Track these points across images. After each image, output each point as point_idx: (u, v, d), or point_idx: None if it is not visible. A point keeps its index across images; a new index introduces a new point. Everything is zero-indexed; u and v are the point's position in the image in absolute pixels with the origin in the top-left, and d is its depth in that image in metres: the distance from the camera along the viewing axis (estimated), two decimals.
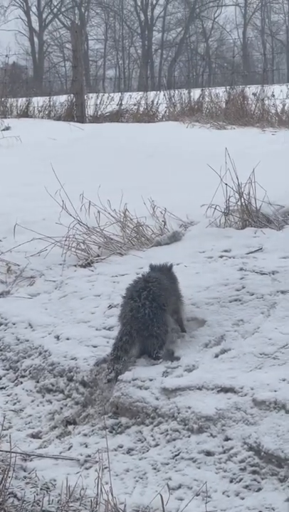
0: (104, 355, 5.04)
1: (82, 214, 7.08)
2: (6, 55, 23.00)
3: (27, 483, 4.14)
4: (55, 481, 4.17)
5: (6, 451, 4.30)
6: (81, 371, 5.02)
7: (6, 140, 10.82)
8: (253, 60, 58.71)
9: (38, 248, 6.80)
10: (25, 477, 4.22)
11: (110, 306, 5.63)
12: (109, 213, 7.00)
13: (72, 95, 14.33)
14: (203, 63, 60.25)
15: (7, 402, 5.17)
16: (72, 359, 5.16)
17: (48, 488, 4.09)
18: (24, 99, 14.80)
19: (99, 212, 7.03)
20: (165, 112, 14.34)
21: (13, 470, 4.14)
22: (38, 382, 5.23)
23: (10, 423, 4.92)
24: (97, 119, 14.03)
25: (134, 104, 14.37)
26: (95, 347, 5.21)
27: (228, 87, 14.76)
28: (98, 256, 6.63)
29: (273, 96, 14.77)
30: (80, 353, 5.17)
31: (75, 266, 6.57)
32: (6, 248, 6.98)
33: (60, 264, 6.61)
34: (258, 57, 55.66)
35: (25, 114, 14.34)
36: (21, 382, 5.31)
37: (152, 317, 4.87)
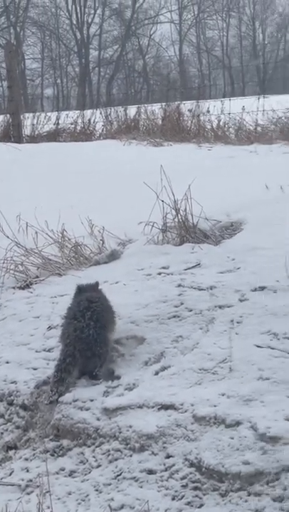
0: (44, 378, 5.01)
1: (20, 235, 7.03)
2: None
3: None
4: None
5: None
6: (21, 394, 4.97)
7: None
8: (190, 76, 59.31)
9: None
10: None
11: (50, 328, 5.60)
12: (47, 234, 6.97)
13: (8, 115, 14.26)
14: (141, 80, 60.59)
15: None
16: (12, 383, 5.11)
17: None
18: None
19: (37, 233, 6.99)
20: (102, 130, 14.37)
21: None
22: None
23: None
24: (34, 138, 13.99)
25: (72, 123, 14.38)
26: (35, 369, 5.16)
27: (163, 103, 14.87)
28: (37, 277, 6.58)
29: (208, 112, 14.93)
30: (20, 376, 5.12)
31: (14, 288, 6.51)
32: None
33: None
34: (195, 73, 56.27)
35: None
36: None
37: (96, 337, 4.87)
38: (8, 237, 6.88)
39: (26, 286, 6.49)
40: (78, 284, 5.30)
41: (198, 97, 16.02)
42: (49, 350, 5.34)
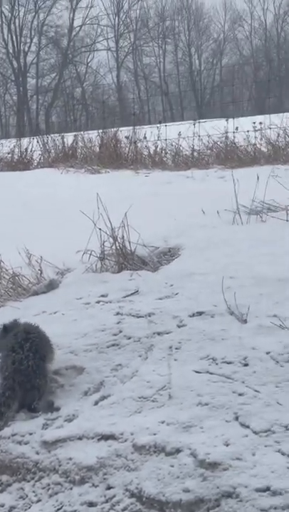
0: None
1: None
2: None
3: None
4: None
5: None
6: None
7: None
8: (128, 102, 59.70)
9: None
10: None
11: None
12: None
13: None
14: (80, 107, 60.77)
15: None
16: None
17: None
18: None
19: None
20: (40, 159, 14.33)
21: None
22: None
23: None
24: None
25: (8, 153, 14.30)
26: None
27: (100, 130, 14.91)
28: None
29: (145, 138, 15.01)
30: None
31: None
32: None
33: None
34: (134, 99, 56.67)
35: None
36: None
37: (35, 369, 4.82)
38: None
39: None
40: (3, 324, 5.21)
41: (135, 123, 16.11)
42: None
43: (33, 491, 4.30)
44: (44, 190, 10.37)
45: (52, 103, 62.41)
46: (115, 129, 14.89)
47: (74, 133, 15.43)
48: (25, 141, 14.86)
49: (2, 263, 6.92)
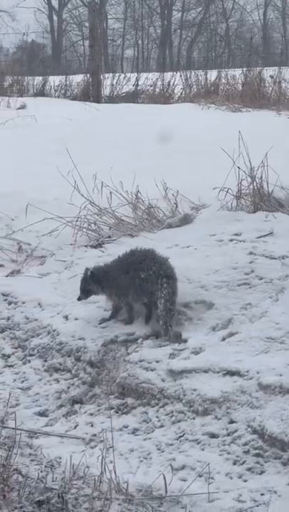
0: (112, 336, 5.08)
1: (95, 195, 7.08)
2: (24, 33, 22.91)
3: (32, 460, 4.18)
4: (60, 458, 4.22)
5: (12, 428, 4.34)
6: (89, 351, 5.06)
7: (22, 119, 10.82)
8: (273, 42, 58.22)
9: (49, 228, 6.83)
10: (30, 454, 4.27)
11: None
12: (121, 194, 7.00)
13: (88, 75, 14.28)
14: (223, 44, 59.82)
15: (15, 380, 5.21)
16: (80, 339, 5.21)
17: (52, 465, 4.14)
18: (41, 78, 14.76)
19: (111, 193, 7.03)
20: (181, 94, 14.26)
21: (19, 447, 4.19)
22: (45, 361, 5.27)
23: (17, 401, 4.97)
24: (112, 99, 13.97)
25: (151, 85, 14.30)
26: (103, 328, 5.24)
27: (244, 68, 14.65)
28: (109, 237, 6.64)
29: None
30: (87, 334, 5.21)
31: (86, 246, 6.59)
32: (18, 227, 7.02)
33: (71, 245, 6.63)
34: (279, 39, 55.18)
35: (41, 93, 14.32)
36: (29, 361, 5.35)
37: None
38: (82, 195, 6.94)
39: (98, 245, 6.55)
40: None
41: (281, 63, 15.73)
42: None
43: (157, 417, 4.42)
44: (184, 124, 10.34)
45: (195, 38, 61.66)
46: (260, 68, 14.59)
47: (215, 70, 15.24)
48: (168, 74, 14.83)
49: (139, 194, 6.99)
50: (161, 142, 8.91)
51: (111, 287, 5.26)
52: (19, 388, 5.12)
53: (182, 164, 8.20)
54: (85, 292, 5.35)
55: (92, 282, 5.28)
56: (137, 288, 5.14)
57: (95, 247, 6.53)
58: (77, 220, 6.72)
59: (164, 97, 13.90)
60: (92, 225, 6.71)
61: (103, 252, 6.40)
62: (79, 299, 5.42)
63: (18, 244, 6.66)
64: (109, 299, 5.34)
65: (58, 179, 7.38)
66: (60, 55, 47.73)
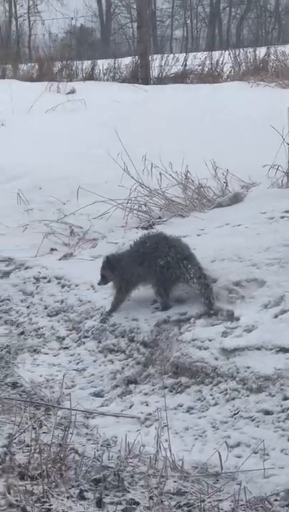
0: (164, 316, 5.11)
1: (144, 176, 7.10)
2: (73, 18, 22.96)
3: (88, 439, 4.24)
4: (115, 438, 4.27)
5: (68, 409, 4.40)
6: (142, 332, 5.10)
7: (71, 103, 10.88)
8: None
9: (100, 211, 6.88)
10: (86, 434, 4.32)
11: None
12: (170, 175, 7.01)
13: (136, 57, 14.27)
14: (273, 20, 58.94)
15: (70, 362, 5.28)
16: (133, 320, 5.25)
17: (108, 444, 4.19)
18: (89, 62, 14.80)
19: (161, 174, 7.03)
20: (230, 72, 14.15)
21: (75, 427, 4.25)
22: (100, 342, 5.33)
23: (73, 382, 5.04)
24: (161, 80, 13.95)
25: (199, 65, 14.22)
26: (156, 308, 5.27)
27: None
28: (160, 218, 6.66)
29: None
30: (140, 314, 5.26)
31: (137, 228, 6.62)
32: (69, 211, 7.09)
33: (122, 227, 6.67)
34: None
35: (90, 76, 14.35)
36: (84, 343, 5.42)
37: None
38: (132, 177, 6.97)
39: (149, 226, 6.58)
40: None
41: None
42: None
43: (211, 395, 4.44)
44: (233, 102, 10.25)
45: (244, 15, 60.90)
46: None
47: (264, 47, 15.08)
48: (216, 53, 14.72)
49: (189, 174, 6.98)
50: (210, 122, 8.87)
51: (125, 276, 5.36)
52: (74, 370, 5.19)
53: (231, 143, 8.16)
54: (103, 278, 5.47)
55: (108, 269, 5.39)
56: (158, 275, 5.20)
57: (145, 228, 6.56)
58: (127, 202, 6.75)
59: (212, 76, 13.83)
60: (143, 206, 6.73)
61: None
62: (99, 283, 5.53)
63: (70, 228, 6.73)
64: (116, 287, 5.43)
65: (108, 162, 7.43)
66: (109, 38, 47.65)
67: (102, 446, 4.14)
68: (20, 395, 4.86)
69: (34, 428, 4.06)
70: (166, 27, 60.65)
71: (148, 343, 5.03)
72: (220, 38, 51.36)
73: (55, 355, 5.42)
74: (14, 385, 5.01)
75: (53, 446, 3.86)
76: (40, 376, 5.13)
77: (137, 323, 5.19)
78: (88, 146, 8.69)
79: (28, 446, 3.90)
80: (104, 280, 5.48)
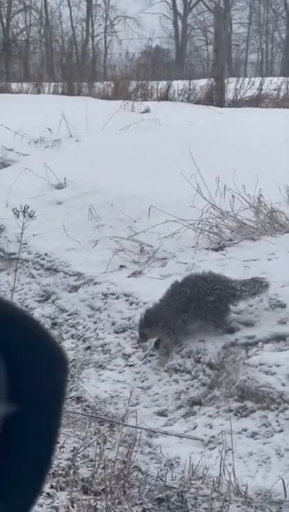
0: (232, 339, 5.08)
1: (217, 198, 7.09)
2: (150, 39, 23.17)
3: (151, 458, 4.23)
4: (178, 458, 4.25)
5: (133, 426, 4.41)
6: (208, 353, 5.07)
7: (145, 123, 10.96)
8: None
9: (171, 230, 6.89)
10: (150, 452, 4.32)
11: None
12: (243, 198, 6.99)
13: (212, 79, 14.31)
14: None
15: (135, 380, 5.29)
16: (200, 341, 5.23)
17: (171, 464, 4.17)
18: (165, 82, 14.89)
19: (233, 196, 7.02)
20: None
21: (139, 445, 4.25)
22: (165, 361, 5.32)
23: (137, 400, 5.04)
24: (236, 103, 13.94)
25: (275, 89, 14.18)
26: (225, 330, 5.24)
27: None
28: (230, 240, 6.64)
29: None
30: (208, 336, 5.23)
31: (207, 249, 6.61)
32: (140, 229, 7.11)
33: (193, 247, 6.66)
34: None
35: (165, 97, 14.43)
36: (149, 361, 5.42)
37: None
38: (205, 198, 6.97)
39: (220, 248, 6.56)
40: None
41: None
42: (238, 313, 5.39)
43: (276, 421, 4.39)
44: None
45: None
46: None
47: None
48: None
49: (262, 197, 6.95)
50: (285, 146, 8.82)
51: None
52: (139, 388, 5.19)
53: None
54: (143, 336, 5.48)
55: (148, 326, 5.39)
56: (212, 311, 5.22)
57: (216, 250, 6.55)
58: (199, 223, 6.75)
59: (288, 101, 13.76)
60: (214, 228, 6.72)
61: (224, 255, 6.41)
62: (138, 342, 5.55)
63: (140, 246, 6.75)
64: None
65: (181, 182, 7.45)
66: (184, 59, 47.90)
67: (165, 465, 4.12)
68: (84, 409, 4.88)
69: (98, 443, 4.07)
70: (241, 51, 60.76)
71: (214, 365, 5.00)
72: None
73: (120, 372, 5.43)
74: (79, 400, 5.04)
75: (116, 462, 3.86)
76: (105, 392, 5.15)
77: (204, 345, 5.17)
78: (161, 166, 8.73)
79: (92, 461, 3.92)
80: (144, 338, 5.48)
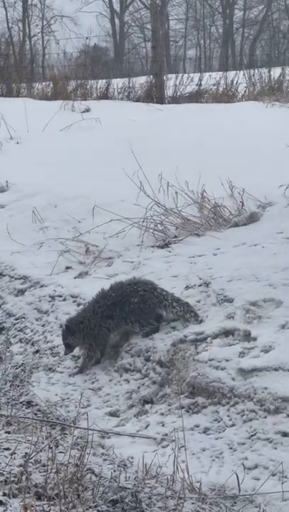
0: (181, 336, 5.08)
1: (160, 195, 7.09)
2: (87, 37, 23.09)
3: (104, 459, 4.21)
4: (132, 458, 4.24)
5: (85, 428, 4.37)
6: (158, 351, 5.07)
7: (86, 122, 10.89)
8: None
9: (116, 229, 6.87)
10: (103, 454, 4.30)
11: (187, 287, 5.64)
12: (186, 194, 7.00)
13: (151, 76, 14.31)
14: (286, 41, 59.14)
15: (86, 381, 5.27)
16: (149, 339, 5.22)
17: (125, 465, 4.16)
18: (104, 81, 14.84)
19: (176, 193, 7.03)
20: (244, 92, 14.17)
21: (92, 447, 4.22)
22: (115, 361, 5.31)
23: (89, 401, 5.02)
24: (176, 99, 13.97)
25: (214, 85, 14.25)
26: (172, 328, 5.24)
27: None
28: (175, 237, 6.64)
29: None
30: (157, 333, 5.23)
31: (153, 247, 6.60)
32: (85, 229, 7.07)
33: (138, 245, 6.65)
34: None
35: (104, 96, 14.39)
36: (99, 362, 5.40)
37: None
38: (148, 196, 6.96)
39: (165, 245, 6.56)
40: None
41: None
42: None
43: (228, 416, 4.40)
44: (248, 123, 10.27)
45: (257, 36, 61.09)
46: None
47: (277, 67, 15.10)
48: (231, 73, 14.73)
49: (205, 193, 6.98)
50: (226, 140, 8.87)
51: (94, 334, 5.41)
52: (90, 389, 5.18)
53: (247, 162, 8.15)
54: (68, 346, 5.51)
55: (71, 335, 5.43)
56: (137, 312, 5.31)
57: (161, 247, 6.55)
58: (143, 221, 6.74)
59: (227, 95, 13.85)
60: (159, 225, 6.72)
61: (170, 252, 6.42)
62: (65, 353, 5.54)
63: (85, 246, 6.71)
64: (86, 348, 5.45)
65: (123, 181, 7.42)
66: (123, 57, 47.84)
67: (118, 466, 4.11)
68: (35, 413, 4.84)
69: (50, 448, 4.03)
70: (179, 47, 60.95)
71: (164, 362, 5.00)
72: (233, 59, 51.56)
73: (70, 375, 5.40)
74: (29, 404, 5.00)
75: (69, 466, 3.83)
76: (56, 395, 5.12)
77: (153, 343, 5.17)
78: (104, 165, 8.69)
79: (44, 466, 3.87)
80: (70, 348, 5.51)
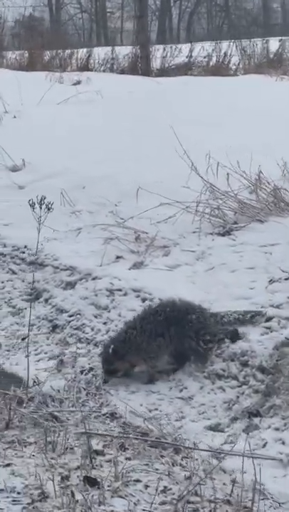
0: (282, 338, 4.51)
1: (210, 176, 6.48)
2: (25, 8, 22.35)
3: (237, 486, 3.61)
4: (263, 485, 3.65)
5: (209, 451, 3.79)
6: (258, 355, 4.49)
7: (85, 95, 10.14)
8: (273, 12, 57.15)
9: (165, 214, 6.23)
10: (232, 481, 3.68)
11: (271, 281, 5.08)
12: (240, 175, 6.39)
13: (136, 47, 13.63)
14: (223, 15, 58.89)
15: (171, 389, 4.66)
16: (243, 341, 4.64)
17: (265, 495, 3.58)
18: (84, 51, 14.10)
19: (228, 174, 6.42)
20: (239, 65, 13.61)
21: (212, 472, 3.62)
22: (203, 366, 4.70)
23: (182, 413, 4.41)
24: (164, 72, 13.32)
25: (205, 57, 13.65)
26: (268, 328, 4.67)
27: None
28: (235, 223, 6.04)
29: None
30: (251, 334, 4.65)
31: (212, 234, 6.00)
32: (125, 214, 6.43)
33: (194, 232, 6.04)
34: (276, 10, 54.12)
35: (85, 67, 13.66)
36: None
37: None
38: (202, 177, 6.33)
39: (226, 232, 5.96)
40: None
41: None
42: (278, 307, 4.84)
43: None
44: (265, 97, 9.68)
45: (195, 9, 60.55)
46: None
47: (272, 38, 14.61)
48: (224, 45, 14.12)
49: (261, 174, 6.36)
50: (254, 117, 8.29)
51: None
52: (179, 398, 4.56)
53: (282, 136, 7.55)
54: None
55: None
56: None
57: (222, 234, 5.94)
58: (197, 205, 6.12)
59: (222, 68, 13.24)
60: (215, 210, 6.10)
61: (234, 240, 5.83)
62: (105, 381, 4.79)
63: (135, 233, 6.05)
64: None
65: (155, 159, 6.78)
66: (60, 28, 46.74)
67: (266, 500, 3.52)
68: (123, 428, 4.22)
69: (188, 478, 3.43)
70: (116, 19, 59.95)
71: (267, 368, 4.42)
72: (171, 31, 50.94)
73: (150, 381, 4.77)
74: (113, 416, 4.38)
75: (221, 503, 3.25)
76: (141, 405, 4.49)
77: (249, 345, 4.58)
78: (123, 141, 8.01)
79: (189, 502, 3.27)
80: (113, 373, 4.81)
